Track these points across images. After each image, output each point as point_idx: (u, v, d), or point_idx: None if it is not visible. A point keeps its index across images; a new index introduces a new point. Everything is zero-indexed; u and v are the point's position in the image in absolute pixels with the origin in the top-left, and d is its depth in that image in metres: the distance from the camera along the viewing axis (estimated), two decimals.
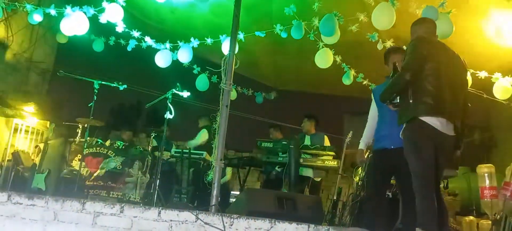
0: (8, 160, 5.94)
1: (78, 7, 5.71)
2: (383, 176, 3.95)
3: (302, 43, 6.08)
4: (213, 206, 3.67)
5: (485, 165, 5.70)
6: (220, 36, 6.23)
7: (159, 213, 3.17)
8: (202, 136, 7.11)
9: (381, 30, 5.44)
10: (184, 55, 6.71)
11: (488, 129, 9.40)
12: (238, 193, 7.42)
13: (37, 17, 6.08)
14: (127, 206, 3.20)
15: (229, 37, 4.56)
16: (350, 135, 6.22)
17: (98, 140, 6.51)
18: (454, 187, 6.71)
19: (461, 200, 6.67)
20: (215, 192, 3.77)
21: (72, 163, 6.24)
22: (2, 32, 6.77)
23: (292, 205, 3.94)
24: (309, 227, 3.19)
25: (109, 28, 6.40)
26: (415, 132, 3.30)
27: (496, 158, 8.43)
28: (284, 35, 5.94)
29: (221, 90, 4.19)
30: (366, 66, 6.88)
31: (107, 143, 6.50)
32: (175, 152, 6.78)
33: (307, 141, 6.43)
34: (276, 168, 6.65)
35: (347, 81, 6.89)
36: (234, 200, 6.81)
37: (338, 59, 6.35)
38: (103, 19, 5.77)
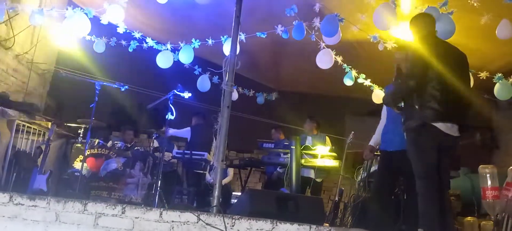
0: (9, 161, 5.94)
1: (80, 8, 5.71)
2: (383, 177, 3.97)
3: (303, 44, 6.08)
4: (215, 207, 3.66)
5: (487, 165, 5.68)
6: (221, 37, 6.23)
7: (161, 214, 3.17)
8: (182, 132, 7.28)
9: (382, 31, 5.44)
10: (185, 56, 6.72)
11: (490, 129, 9.38)
12: (239, 193, 7.43)
13: (39, 19, 6.09)
14: (129, 207, 3.20)
15: (231, 38, 4.56)
16: (351, 136, 6.21)
17: (100, 140, 6.52)
18: (456, 188, 6.70)
19: (463, 200, 6.66)
20: (216, 193, 3.77)
21: (73, 164, 6.25)
22: (4, 34, 6.78)
23: (294, 205, 3.94)
24: (310, 228, 3.19)
25: (110, 29, 6.41)
26: (420, 135, 3.30)
27: (498, 159, 8.43)
28: (285, 36, 5.94)
29: (222, 91, 4.19)
30: (368, 67, 6.88)
31: (109, 144, 6.50)
32: (177, 153, 6.79)
33: (309, 141, 6.43)
34: (278, 169, 6.66)
35: (348, 82, 6.89)
36: (235, 201, 6.82)
37: (339, 60, 6.35)
38: (104, 20, 5.78)
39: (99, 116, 5.98)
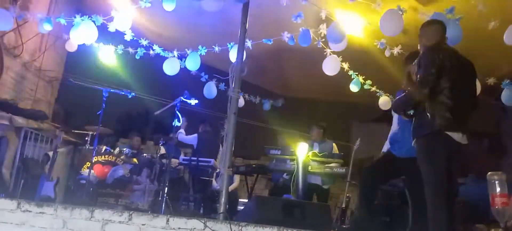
0: (17, 168, 5.97)
1: (87, 16, 5.76)
2: (381, 176, 3.98)
3: (309, 50, 6.09)
4: (221, 214, 3.66)
5: (495, 172, 5.62)
6: (227, 44, 6.25)
7: (167, 220, 3.18)
8: (189, 138, 7.27)
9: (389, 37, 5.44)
10: (192, 63, 6.74)
11: (498, 135, 9.31)
12: (246, 200, 7.42)
13: (47, 27, 6.15)
14: (135, 214, 3.21)
15: (237, 45, 4.58)
16: (358, 142, 6.18)
17: (107, 147, 6.54)
18: (464, 195, 6.64)
19: (471, 207, 6.60)
20: (223, 200, 3.77)
21: (81, 170, 6.28)
22: (13, 41, 6.84)
23: (301, 212, 3.92)
24: None
25: (117, 37, 6.45)
26: (433, 143, 3.29)
27: (506, 165, 8.35)
28: (291, 42, 5.95)
29: (229, 98, 4.20)
30: (374, 73, 6.87)
31: (116, 151, 6.53)
32: (183, 160, 6.80)
33: (316, 148, 6.41)
34: (284, 176, 6.64)
35: (355, 88, 6.88)
36: (242, 207, 6.80)
37: (345, 66, 6.35)
38: (111, 27, 5.83)
39: (106, 123, 6.01)
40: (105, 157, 6.32)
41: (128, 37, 6.26)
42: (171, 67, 6.83)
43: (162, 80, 7.63)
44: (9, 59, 6.83)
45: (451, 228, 3.17)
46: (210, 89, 7.49)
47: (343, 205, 5.79)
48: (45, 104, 7.85)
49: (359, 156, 6.01)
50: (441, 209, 3.15)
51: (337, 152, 6.39)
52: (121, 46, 6.99)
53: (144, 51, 6.88)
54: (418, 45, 3.67)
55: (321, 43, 5.86)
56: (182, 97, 5.51)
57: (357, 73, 6.76)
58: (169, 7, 5.27)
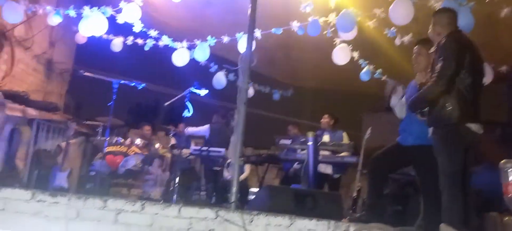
0: (31, 159, 6.04)
1: (97, 7, 5.78)
2: (390, 165, 3.99)
3: (319, 40, 6.05)
4: (233, 203, 3.67)
5: (508, 160, 5.57)
6: (236, 34, 6.23)
7: (179, 210, 3.19)
8: (202, 130, 7.26)
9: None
10: (201, 54, 6.74)
11: (511, 123, 9.20)
12: (256, 190, 7.44)
13: (57, 19, 6.19)
14: (148, 203, 3.23)
15: (246, 35, 4.56)
16: (369, 132, 6.15)
17: (118, 138, 6.59)
18: (477, 183, 6.60)
19: (484, 196, 6.56)
20: (234, 189, 3.78)
21: (93, 161, 6.33)
22: (23, 34, 6.89)
23: (312, 201, 3.92)
24: (329, 223, 3.18)
25: (127, 28, 6.47)
26: (450, 135, 3.28)
27: None
28: (301, 32, 5.92)
29: (238, 88, 4.19)
30: (384, 62, 6.81)
31: (127, 141, 6.57)
32: (194, 150, 6.82)
33: (326, 138, 6.40)
34: (294, 165, 6.64)
35: (365, 77, 6.83)
36: (253, 197, 6.82)
37: (355, 55, 6.30)
38: (120, 19, 5.84)
39: (117, 114, 6.04)
40: (116, 148, 6.36)
41: (137, 28, 6.27)
42: (180, 58, 6.84)
43: (171, 71, 7.65)
44: (20, 52, 6.89)
45: (465, 218, 3.16)
46: (220, 80, 7.48)
47: (354, 194, 5.79)
48: (57, 96, 7.92)
49: (370, 145, 5.99)
50: (456, 199, 3.15)
51: (348, 141, 6.38)
52: (130, 38, 7.01)
53: (154, 42, 6.89)
54: (429, 33, 3.62)
55: (330, 32, 5.82)
56: (191, 88, 5.52)
57: (367, 62, 6.71)
58: None
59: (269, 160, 6.80)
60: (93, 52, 7.93)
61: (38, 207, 3.20)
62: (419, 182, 4.05)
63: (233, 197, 3.72)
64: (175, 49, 6.91)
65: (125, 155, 6.32)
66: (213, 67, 7.60)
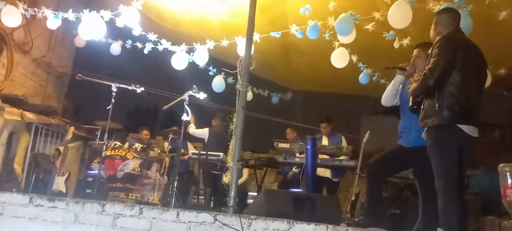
0: (29, 163, 6.04)
1: (96, 11, 5.78)
2: (388, 169, 3.97)
3: (317, 43, 6.06)
4: (231, 207, 3.67)
5: (507, 163, 5.57)
6: (235, 37, 6.24)
7: (178, 214, 3.19)
8: (202, 132, 7.24)
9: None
10: (200, 57, 6.74)
11: (509, 127, 9.22)
12: (255, 194, 7.43)
13: (56, 22, 6.18)
14: (146, 208, 3.23)
15: (245, 39, 4.56)
16: (367, 135, 6.16)
17: (116, 142, 6.58)
18: (475, 186, 6.60)
19: (482, 199, 6.56)
20: (232, 193, 3.78)
21: (91, 165, 6.32)
22: (22, 37, 6.89)
23: (310, 205, 3.91)
24: (327, 228, 3.17)
25: (126, 32, 6.48)
26: (441, 134, 3.26)
27: None
28: (299, 35, 5.92)
29: (237, 92, 4.19)
30: (383, 65, 6.80)
31: (125, 145, 6.57)
32: (193, 154, 6.82)
33: (325, 141, 6.40)
34: (293, 169, 6.64)
35: (364, 80, 6.83)
36: (251, 201, 6.82)
37: (354, 58, 6.31)
38: (119, 22, 5.84)
39: (116, 118, 6.03)
40: (115, 152, 6.36)
41: (136, 32, 6.28)
42: (179, 62, 6.84)
43: (170, 74, 7.64)
44: (19, 56, 6.88)
45: (462, 220, 3.15)
46: (219, 83, 7.48)
47: (353, 198, 5.79)
48: (55, 100, 7.91)
49: (368, 149, 5.99)
50: (452, 201, 3.12)
51: (346, 144, 6.38)
52: (129, 41, 7.00)
53: (152, 46, 6.90)
54: (430, 33, 3.62)
55: (329, 35, 5.82)
56: (190, 92, 5.51)
57: (366, 65, 6.71)
58: None
59: (267, 164, 6.80)
60: (92, 56, 7.94)
61: (36, 212, 3.19)
62: (417, 185, 4.04)
63: (231, 201, 3.72)
64: (174, 52, 6.91)
65: (124, 159, 6.31)
66: (212, 70, 7.60)
